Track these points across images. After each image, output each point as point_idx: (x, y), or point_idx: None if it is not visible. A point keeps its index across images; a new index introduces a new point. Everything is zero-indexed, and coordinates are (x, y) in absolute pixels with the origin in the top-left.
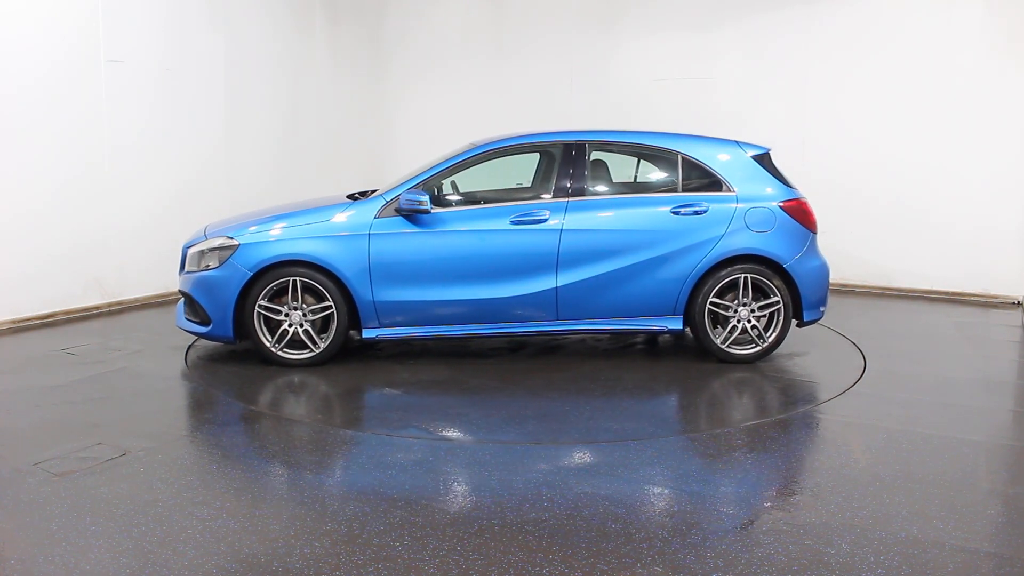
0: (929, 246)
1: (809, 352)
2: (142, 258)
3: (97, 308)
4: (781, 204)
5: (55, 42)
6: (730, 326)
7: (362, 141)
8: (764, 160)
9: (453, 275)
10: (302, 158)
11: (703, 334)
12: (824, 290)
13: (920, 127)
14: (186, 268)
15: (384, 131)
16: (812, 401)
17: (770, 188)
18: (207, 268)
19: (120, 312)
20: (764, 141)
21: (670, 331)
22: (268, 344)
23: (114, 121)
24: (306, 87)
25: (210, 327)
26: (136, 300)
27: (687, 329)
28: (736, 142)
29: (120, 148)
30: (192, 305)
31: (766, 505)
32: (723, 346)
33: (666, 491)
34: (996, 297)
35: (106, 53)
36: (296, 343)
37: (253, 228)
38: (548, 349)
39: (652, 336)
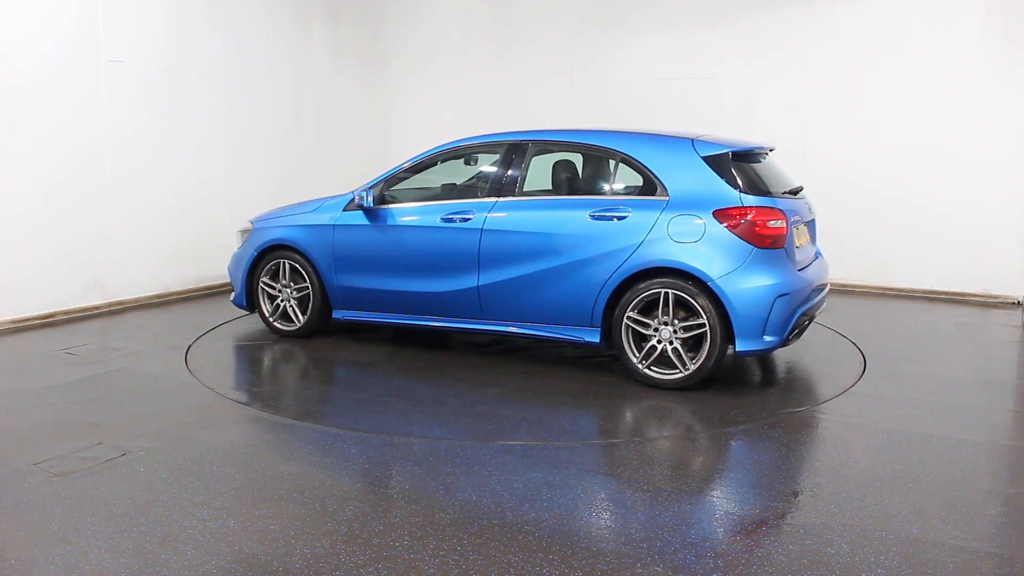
0: (929, 246)
1: (809, 352)
2: (142, 258)
3: (97, 308)
4: (715, 212)
5: (54, 42)
6: (648, 346)
7: (363, 138)
8: (719, 161)
9: (392, 267)
10: (303, 157)
11: (619, 352)
12: (774, 316)
13: (921, 126)
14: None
15: (385, 128)
16: (812, 401)
17: (709, 193)
18: (238, 248)
19: (120, 312)
20: (765, 140)
21: (587, 344)
22: (267, 314)
23: (114, 121)
24: (306, 86)
25: (235, 296)
26: (136, 300)
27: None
28: (691, 140)
29: (120, 148)
30: None
31: (766, 505)
32: (641, 367)
33: (665, 491)
34: (996, 297)
35: (106, 53)
36: (288, 317)
37: (267, 216)
38: (515, 349)
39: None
